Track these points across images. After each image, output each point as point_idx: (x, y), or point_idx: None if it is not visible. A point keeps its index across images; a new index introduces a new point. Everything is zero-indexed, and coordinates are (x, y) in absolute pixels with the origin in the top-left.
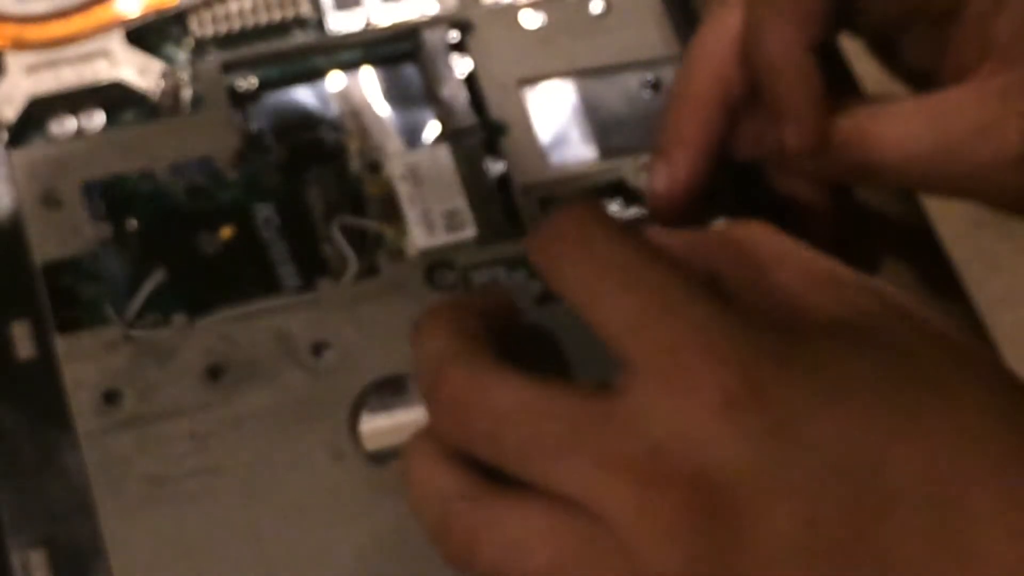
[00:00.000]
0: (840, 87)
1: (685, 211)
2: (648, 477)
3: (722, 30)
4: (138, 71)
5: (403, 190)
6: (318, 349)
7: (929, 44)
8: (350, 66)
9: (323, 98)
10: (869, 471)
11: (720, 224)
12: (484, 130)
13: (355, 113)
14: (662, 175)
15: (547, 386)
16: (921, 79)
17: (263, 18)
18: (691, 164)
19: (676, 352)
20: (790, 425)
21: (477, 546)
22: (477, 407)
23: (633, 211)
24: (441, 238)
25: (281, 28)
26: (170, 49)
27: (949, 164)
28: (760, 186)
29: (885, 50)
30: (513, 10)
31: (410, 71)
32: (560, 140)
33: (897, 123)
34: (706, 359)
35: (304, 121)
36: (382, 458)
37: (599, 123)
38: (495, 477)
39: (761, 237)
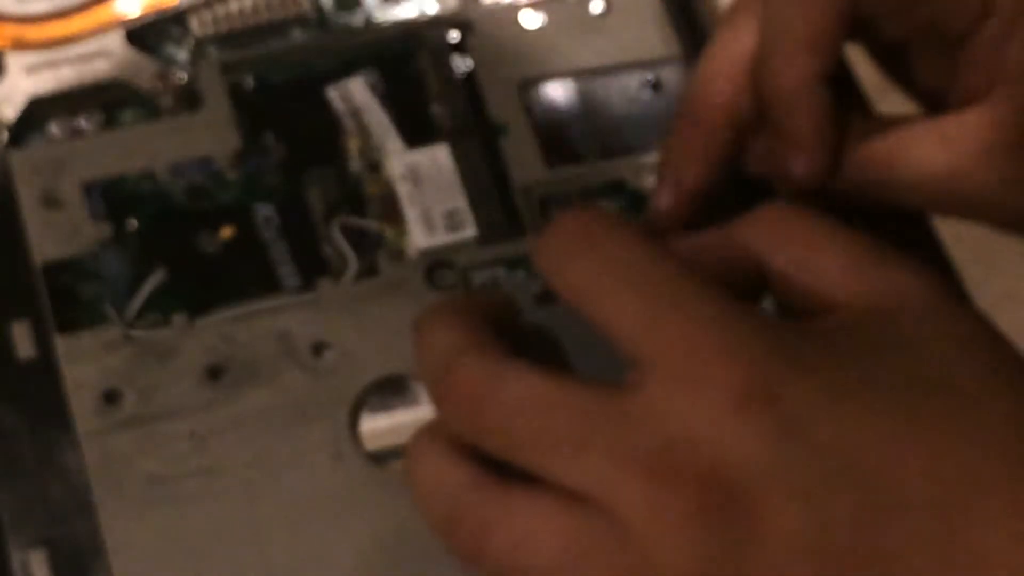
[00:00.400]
0: (846, 101)
1: (687, 225)
2: (660, 474)
3: (733, 50)
4: (138, 71)
5: (403, 190)
6: (318, 349)
7: (937, 64)
8: (350, 66)
9: (323, 98)
10: (880, 473)
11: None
12: (484, 130)
13: (355, 113)
14: (666, 191)
15: (561, 380)
16: (928, 96)
17: (263, 18)
18: (696, 180)
19: (688, 350)
20: (802, 424)
21: (487, 538)
22: (490, 399)
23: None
24: (441, 238)
25: (281, 28)
26: (170, 49)
27: (962, 186)
28: (760, 187)
29: (891, 65)
30: (513, 10)
31: (410, 71)
32: (560, 140)
33: (910, 145)
34: (718, 357)
35: (304, 121)
36: (382, 458)
37: (599, 123)
38: (504, 474)
39: (796, 219)
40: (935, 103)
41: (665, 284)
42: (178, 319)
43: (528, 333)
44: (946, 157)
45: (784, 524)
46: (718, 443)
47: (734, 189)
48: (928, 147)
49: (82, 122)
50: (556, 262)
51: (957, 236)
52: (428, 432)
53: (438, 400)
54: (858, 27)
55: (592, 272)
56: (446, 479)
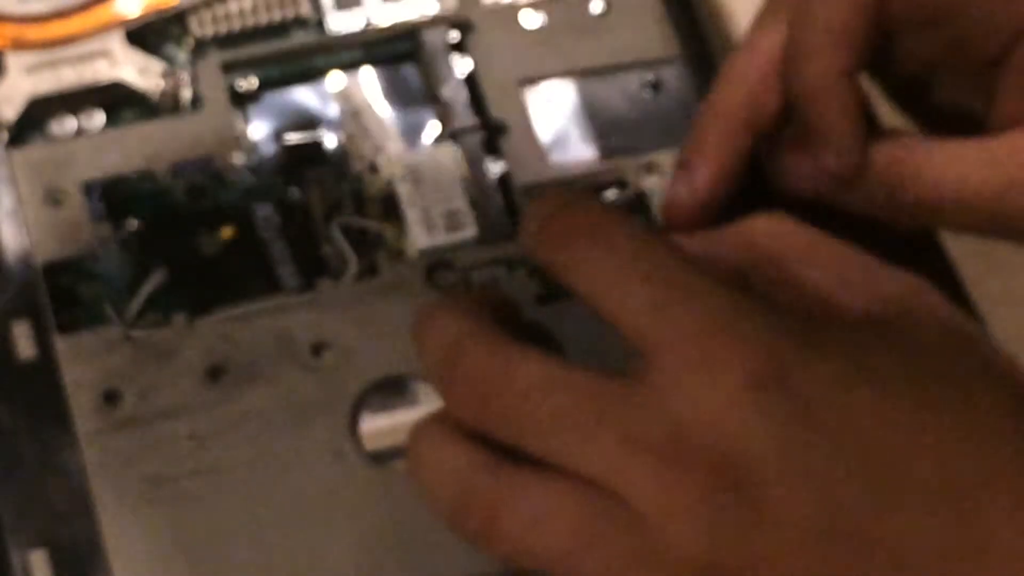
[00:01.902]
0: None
1: (700, 224)
2: (670, 457)
3: (758, 52)
4: (138, 71)
5: (403, 190)
6: (318, 349)
7: (962, 88)
8: (350, 66)
9: (323, 98)
10: (889, 459)
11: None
12: (484, 130)
13: (355, 113)
14: (682, 186)
15: (570, 366)
16: (948, 123)
17: (263, 18)
18: (711, 179)
19: (699, 336)
20: (813, 409)
21: (498, 519)
22: (499, 382)
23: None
24: (441, 238)
25: (281, 28)
26: (170, 49)
27: (1010, 209)
28: (762, 190)
29: (908, 94)
30: (513, 10)
31: (410, 71)
32: (560, 140)
33: (959, 163)
34: (729, 342)
35: (304, 121)
36: (382, 458)
37: (599, 123)
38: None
39: (785, 233)
40: (955, 130)
41: (673, 274)
42: (178, 319)
43: (528, 330)
44: (996, 179)
45: (793, 508)
46: (728, 427)
47: (749, 195)
48: (977, 168)
49: (82, 122)
50: (560, 251)
51: (957, 236)
52: (432, 420)
53: (444, 386)
54: (879, 53)
55: (602, 266)
56: (454, 462)
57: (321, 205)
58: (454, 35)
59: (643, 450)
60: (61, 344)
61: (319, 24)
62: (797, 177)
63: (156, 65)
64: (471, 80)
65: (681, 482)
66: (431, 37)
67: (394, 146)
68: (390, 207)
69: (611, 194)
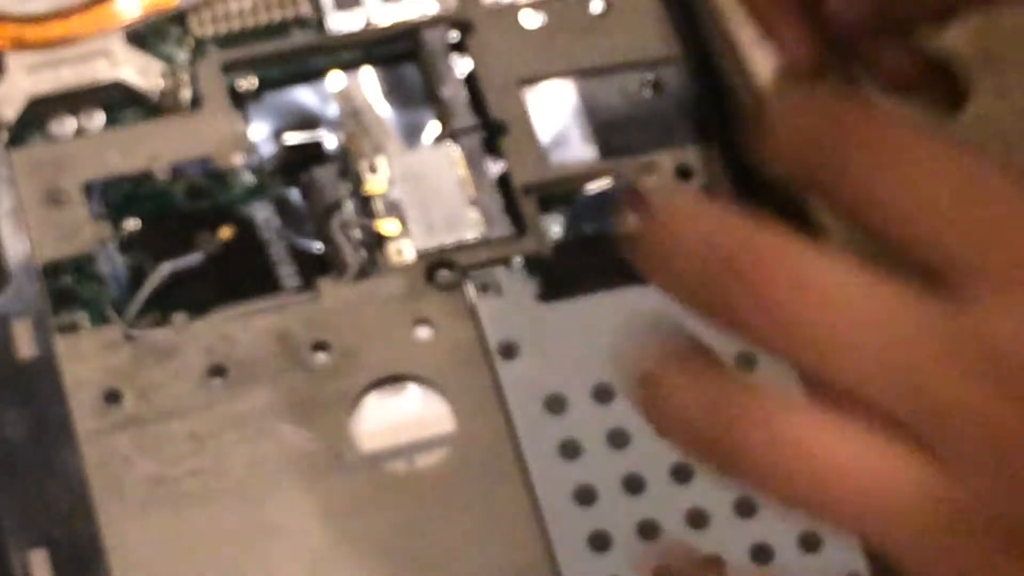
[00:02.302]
0: None
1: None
2: (990, 377)
3: None
4: (138, 71)
5: (403, 190)
6: (318, 349)
7: None
8: (350, 66)
9: (323, 98)
10: None
11: None
12: (484, 130)
13: (355, 113)
14: (786, 45)
15: (871, 272)
16: None
17: (263, 18)
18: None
19: None
20: None
21: (774, 451)
22: (807, 287)
23: None
24: (441, 238)
25: (281, 28)
26: (170, 49)
27: None
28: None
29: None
30: (513, 10)
31: (410, 71)
32: (560, 140)
33: None
34: None
35: (304, 121)
36: (382, 458)
37: (599, 123)
38: None
39: None
40: None
41: (1002, 189)
42: (178, 319)
43: None
44: None
45: None
46: None
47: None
48: None
49: (82, 122)
50: (848, 165)
51: None
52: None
53: (711, 286)
54: None
55: (907, 178)
56: (703, 386)
57: (321, 205)
58: (454, 35)
59: (957, 366)
60: (61, 344)
61: (319, 24)
62: (886, 64)
63: (156, 65)
64: (471, 80)
65: (999, 410)
66: (431, 37)
67: (394, 146)
68: (390, 207)
69: (604, 184)
